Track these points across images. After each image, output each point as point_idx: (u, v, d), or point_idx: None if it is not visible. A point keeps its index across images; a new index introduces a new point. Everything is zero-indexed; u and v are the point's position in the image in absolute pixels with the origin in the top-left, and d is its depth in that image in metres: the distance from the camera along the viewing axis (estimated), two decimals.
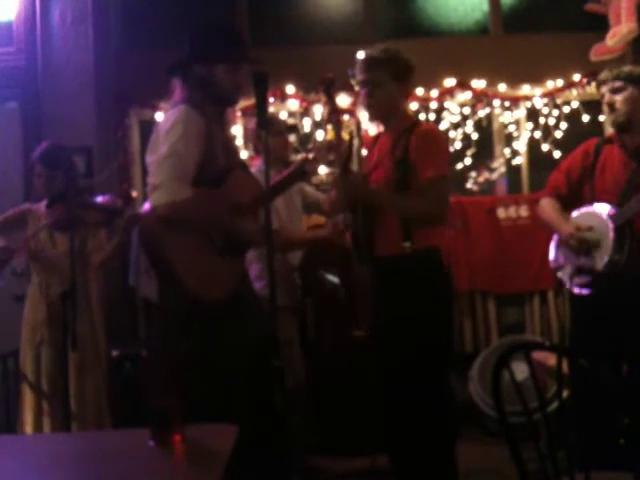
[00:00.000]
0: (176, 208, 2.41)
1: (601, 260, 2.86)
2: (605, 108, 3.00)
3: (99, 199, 3.37)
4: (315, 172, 3.15)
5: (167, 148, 2.44)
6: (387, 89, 2.77)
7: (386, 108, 2.80)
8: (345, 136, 2.91)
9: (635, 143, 2.94)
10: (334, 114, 2.89)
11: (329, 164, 3.16)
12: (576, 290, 2.95)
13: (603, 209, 2.91)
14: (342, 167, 2.78)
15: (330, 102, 2.89)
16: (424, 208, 2.69)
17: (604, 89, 2.98)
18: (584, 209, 2.99)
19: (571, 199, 3.08)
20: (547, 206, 3.10)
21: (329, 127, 2.91)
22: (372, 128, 4.69)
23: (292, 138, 4.05)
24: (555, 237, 3.08)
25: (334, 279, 3.87)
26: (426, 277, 2.69)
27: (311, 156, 3.05)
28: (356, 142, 4.02)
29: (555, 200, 3.10)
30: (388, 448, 2.85)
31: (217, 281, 2.53)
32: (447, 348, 2.80)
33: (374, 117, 2.87)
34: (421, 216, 2.70)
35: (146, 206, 2.53)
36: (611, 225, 2.85)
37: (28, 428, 3.31)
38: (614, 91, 2.93)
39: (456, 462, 2.74)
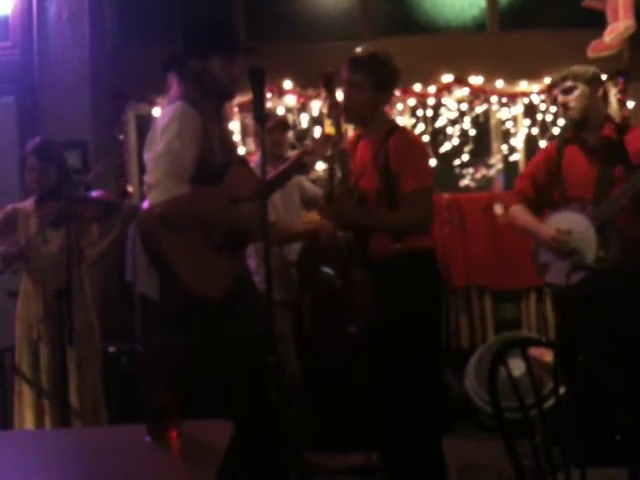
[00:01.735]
0: (173, 206, 2.40)
1: (589, 259, 2.87)
2: (560, 109, 3.05)
3: (94, 194, 3.36)
4: (314, 164, 3.14)
5: (163, 146, 2.43)
6: (366, 94, 2.73)
7: (363, 113, 2.78)
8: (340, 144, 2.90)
9: (595, 140, 2.98)
10: (334, 109, 2.89)
11: (326, 160, 3.15)
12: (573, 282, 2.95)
13: (580, 210, 2.92)
14: (326, 195, 2.81)
15: (330, 97, 2.88)
16: (407, 221, 2.71)
17: (555, 91, 3.03)
18: (561, 212, 2.99)
19: (540, 203, 3.11)
20: (520, 213, 3.12)
21: (329, 122, 2.90)
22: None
23: (289, 134, 4.04)
24: (533, 241, 3.08)
25: (333, 275, 3.86)
26: (417, 276, 2.72)
27: (309, 148, 3.04)
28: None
29: (525, 206, 3.11)
30: (380, 445, 2.87)
31: (215, 278, 2.53)
32: (437, 346, 2.83)
33: (350, 119, 2.88)
34: (406, 229, 2.72)
35: (145, 204, 2.52)
36: (592, 225, 2.86)
37: (29, 426, 3.30)
38: (566, 91, 2.98)
39: (443, 457, 2.76)
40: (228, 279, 2.55)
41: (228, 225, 2.55)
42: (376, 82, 2.73)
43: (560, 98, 3.00)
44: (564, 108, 3.00)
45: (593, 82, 2.99)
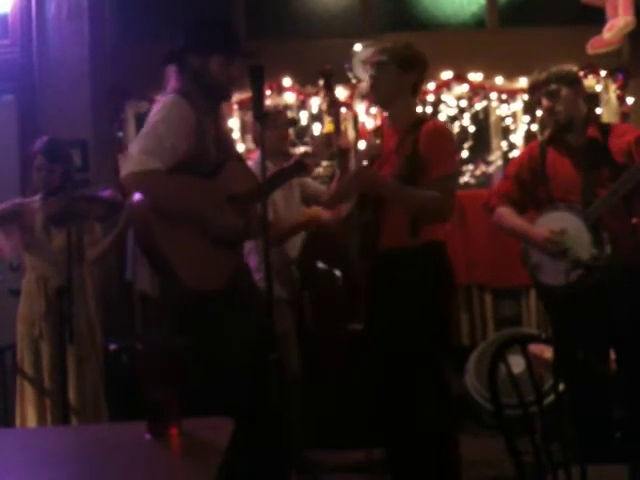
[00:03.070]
0: (143, 179, 2.41)
1: (584, 258, 2.86)
2: (544, 112, 3.01)
3: (103, 193, 3.37)
4: (314, 167, 3.16)
5: (148, 128, 2.48)
6: (390, 75, 2.77)
7: (388, 93, 2.80)
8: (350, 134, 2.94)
9: (580, 142, 2.96)
10: (333, 106, 2.91)
11: (327, 157, 3.16)
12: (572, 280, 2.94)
13: (569, 209, 2.91)
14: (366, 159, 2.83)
15: (329, 94, 2.91)
16: (431, 203, 2.67)
17: (539, 94, 2.99)
18: (550, 213, 2.97)
19: (525, 203, 3.09)
20: (508, 214, 3.08)
21: (328, 119, 2.93)
22: (369, 120, 4.69)
23: (291, 131, 4.04)
24: (522, 242, 3.06)
25: (333, 271, 3.87)
26: (430, 270, 2.71)
27: (311, 151, 3.05)
28: (352, 135, 4.01)
29: (511, 207, 3.08)
30: (386, 441, 2.86)
31: (211, 272, 2.52)
32: (446, 340, 2.82)
33: (376, 101, 2.92)
34: (428, 210, 2.70)
35: (136, 196, 2.51)
36: (584, 224, 2.86)
37: (31, 424, 3.30)
38: (550, 95, 2.94)
39: (458, 454, 2.75)
40: (224, 273, 2.54)
41: (202, 222, 2.51)
42: (399, 62, 2.78)
43: (545, 102, 2.96)
44: (550, 112, 2.96)
45: (575, 83, 2.98)
